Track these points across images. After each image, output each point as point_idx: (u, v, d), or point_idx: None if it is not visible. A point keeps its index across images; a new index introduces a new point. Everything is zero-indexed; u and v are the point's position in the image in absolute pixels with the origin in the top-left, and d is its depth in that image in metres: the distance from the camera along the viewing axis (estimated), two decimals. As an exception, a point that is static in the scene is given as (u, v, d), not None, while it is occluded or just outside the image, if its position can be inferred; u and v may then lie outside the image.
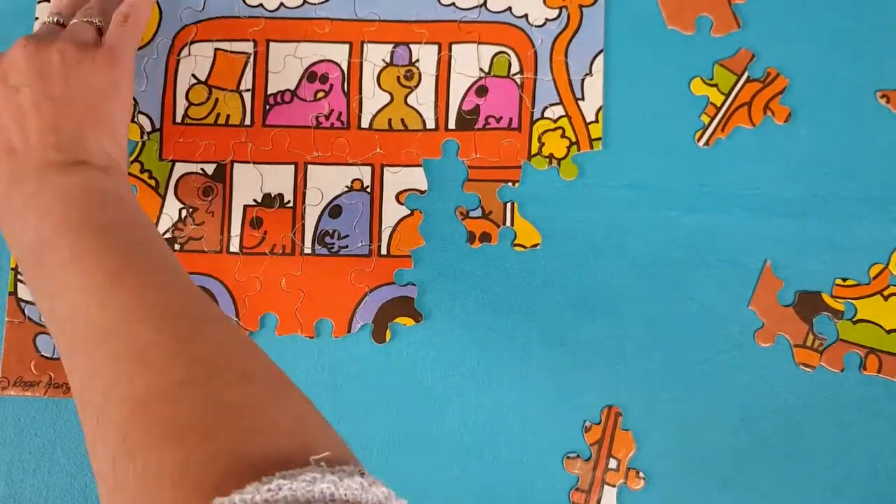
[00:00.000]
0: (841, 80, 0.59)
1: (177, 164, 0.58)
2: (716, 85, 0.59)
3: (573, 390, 0.57)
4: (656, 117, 0.58)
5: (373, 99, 0.58)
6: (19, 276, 0.57)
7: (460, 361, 0.57)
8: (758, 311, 0.57)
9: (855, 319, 0.57)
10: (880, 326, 0.57)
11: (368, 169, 0.58)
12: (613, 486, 0.56)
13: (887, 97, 0.58)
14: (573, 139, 0.58)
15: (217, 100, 0.59)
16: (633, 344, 0.57)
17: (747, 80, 0.59)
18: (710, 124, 0.58)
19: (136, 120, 0.58)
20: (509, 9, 0.59)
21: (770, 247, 0.57)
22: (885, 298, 0.57)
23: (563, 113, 0.58)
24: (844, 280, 0.57)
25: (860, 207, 0.58)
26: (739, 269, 0.57)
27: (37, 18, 0.59)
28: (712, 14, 0.60)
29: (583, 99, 0.58)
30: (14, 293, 0.57)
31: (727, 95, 0.59)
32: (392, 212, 0.58)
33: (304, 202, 0.58)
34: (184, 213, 0.58)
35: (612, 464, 0.56)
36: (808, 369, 0.56)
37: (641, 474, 0.56)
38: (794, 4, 0.60)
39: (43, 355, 0.56)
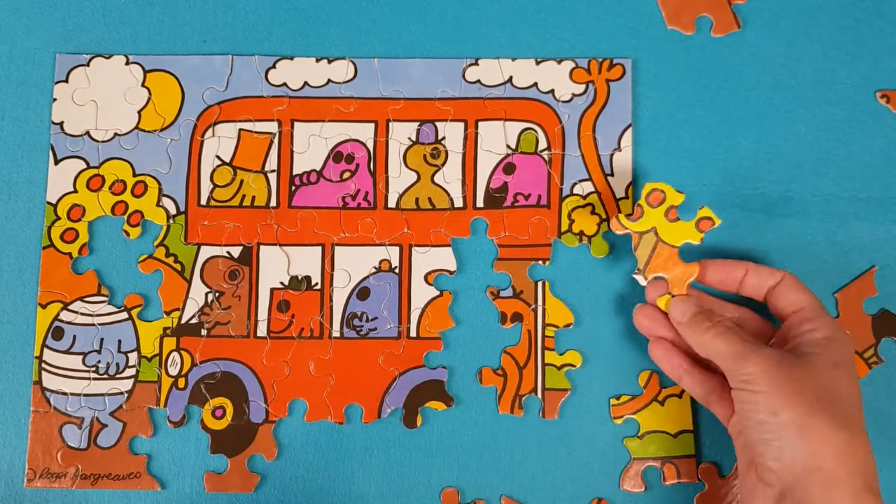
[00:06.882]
0: (841, 80, 0.59)
1: (202, 248, 0.57)
2: None
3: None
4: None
5: (399, 178, 0.58)
6: (44, 365, 0.56)
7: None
8: None
9: None
10: None
11: (396, 249, 0.57)
12: None
13: (887, 97, 0.58)
14: (603, 216, 0.57)
15: (242, 181, 0.58)
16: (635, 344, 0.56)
17: None
18: None
19: (160, 203, 0.58)
20: (535, 85, 0.58)
21: (771, 247, 0.57)
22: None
23: (593, 189, 0.57)
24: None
25: (860, 207, 0.57)
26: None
27: (55, 100, 0.59)
28: (712, 14, 0.59)
29: (612, 174, 0.57)
30: (39, 382, 0.56)
31: None
32: (421, 293, 0.57)
33: (331, 284, 0.57)
34: (210, 297, 0.57)
35: None
36: None
37: None
38: (794, 4, 0.59)
39: (70, 446, 0.55)
